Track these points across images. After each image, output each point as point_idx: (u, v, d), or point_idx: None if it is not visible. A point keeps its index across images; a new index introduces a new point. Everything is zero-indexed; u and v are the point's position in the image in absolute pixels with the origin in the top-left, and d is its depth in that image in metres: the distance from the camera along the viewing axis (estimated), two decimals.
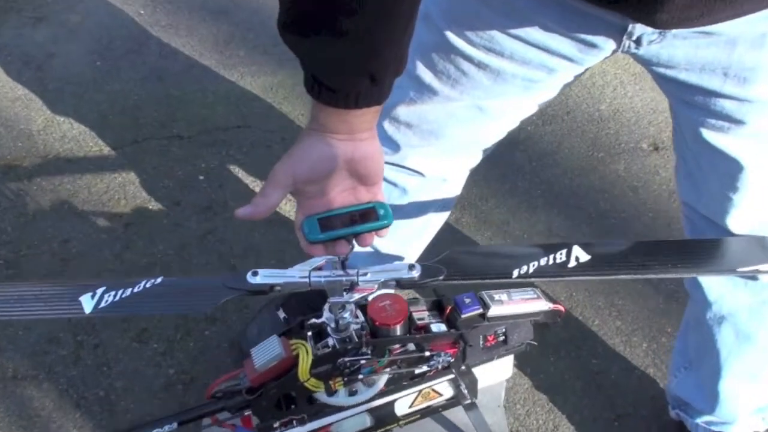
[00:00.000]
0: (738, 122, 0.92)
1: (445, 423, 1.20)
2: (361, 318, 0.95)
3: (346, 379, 0.95)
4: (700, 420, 1.34)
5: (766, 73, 0.88)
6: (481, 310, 1.02)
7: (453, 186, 1.25)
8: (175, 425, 0.94)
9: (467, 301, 1.03)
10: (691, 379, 1.31)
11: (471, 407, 1.14)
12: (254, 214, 0.76)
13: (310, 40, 0.68)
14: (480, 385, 1.11)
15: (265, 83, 2.27)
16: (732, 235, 1.03)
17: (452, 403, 1.13)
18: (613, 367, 1.58)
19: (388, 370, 0.99)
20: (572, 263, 0.81)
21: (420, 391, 1.08)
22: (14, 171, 1.98)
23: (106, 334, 1.61)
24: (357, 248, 0.80)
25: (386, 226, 0.79)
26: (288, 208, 1.84)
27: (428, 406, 1.12)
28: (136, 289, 0.80)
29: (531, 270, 0.81)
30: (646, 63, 0.95)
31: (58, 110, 2.16)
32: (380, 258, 1.33)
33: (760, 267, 0.87)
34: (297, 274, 0.81)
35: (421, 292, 1.31)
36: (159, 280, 0.81)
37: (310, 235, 0.77)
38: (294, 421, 0.99)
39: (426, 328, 1.00)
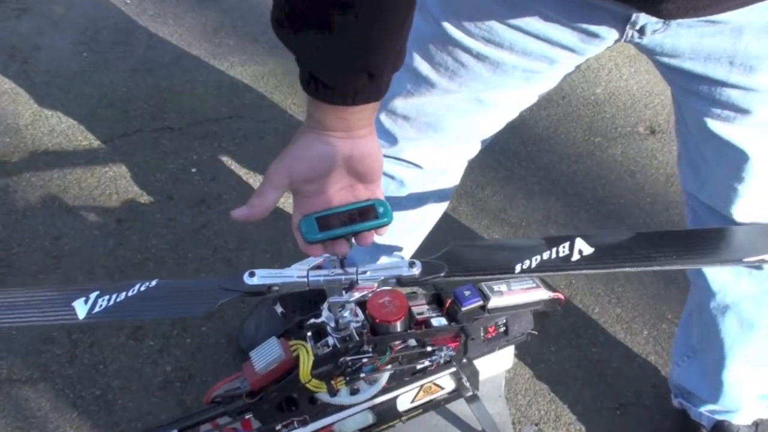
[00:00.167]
0: (744, 111, 0.90)
1: (447, 415, 1.20)
2: (361, 316, 0.93)
3: (348, 378, 0.94)
4: (704, 409, 1.34)
5: None
6: (481, 302, 1.02)
7: (451, 177, 1.23)
8: None
9: (467, 293, 1.02)
10: (695, 368, 1.31)
11: (473, 399, 1.14)
12: (250, 215, 0.75)
13: (305, 35, 0.66)
14: (481, 377, 1.10)
15: (256, 72, 2.24)
16: (736, 224, 1.01)
17: (454, 396, 1.12)
18: (614, 355, 1.57)
19: (389, 367, 0.98)
20: (576, 256, 0.80)
21: (422, 385, 1.07)
22: (2, 167, 1.95)
23: (102, 333, 1.59)
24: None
25: (386, 225, 0.78)
26: (283, 199, 1.81)
27: (430, 401, 1.11)
28: (130, 293, 0.79)
29: (534, 264, 0.80)
30: (650, 52, 0.92)
31: (46, 104, 2.13)
32: (378, 250, 1.32)
33: (766, 257, 0.85)
34: (295, 273, 0.79)
35: (420, 286, 1.29)
36: (154, 283, 0.80)
37: (308, 235, 0.76)
38: (296, 423, 0.98)
39: (426, 323, 0.99)
